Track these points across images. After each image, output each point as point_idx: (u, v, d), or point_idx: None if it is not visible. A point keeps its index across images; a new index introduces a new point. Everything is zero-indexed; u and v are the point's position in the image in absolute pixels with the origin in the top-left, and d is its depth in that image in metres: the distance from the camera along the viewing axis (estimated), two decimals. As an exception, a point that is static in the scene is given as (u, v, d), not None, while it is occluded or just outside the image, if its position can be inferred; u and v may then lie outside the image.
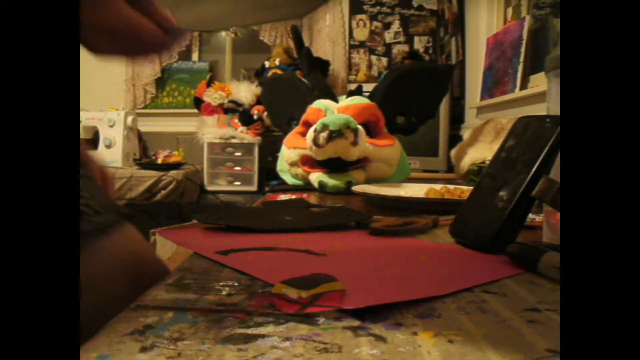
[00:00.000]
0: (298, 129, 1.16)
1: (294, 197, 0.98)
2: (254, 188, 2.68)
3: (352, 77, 3.05)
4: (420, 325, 0.28)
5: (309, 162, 1.09)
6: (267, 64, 2.86)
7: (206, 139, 2.65)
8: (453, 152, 1.40)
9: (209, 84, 2.78)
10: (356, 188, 0.91)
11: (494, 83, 2.01)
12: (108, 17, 0.37)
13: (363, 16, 3.08)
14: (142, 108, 3.09)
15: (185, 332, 0.27)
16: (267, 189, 1.76)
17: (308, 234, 0.58)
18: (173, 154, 2.59)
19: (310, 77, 1.34)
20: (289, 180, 1.18)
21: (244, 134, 2.63)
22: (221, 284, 0.36)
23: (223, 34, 3.16)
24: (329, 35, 3.03)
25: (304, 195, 1.00)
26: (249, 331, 0.27)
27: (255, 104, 2.65)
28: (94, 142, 2.56)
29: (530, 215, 0.56)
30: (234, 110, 2.69)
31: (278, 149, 1.24)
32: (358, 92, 1.25)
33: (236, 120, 2.66)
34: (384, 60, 3.08)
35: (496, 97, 1.94)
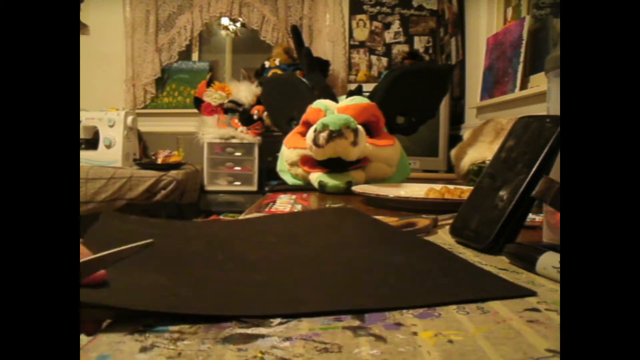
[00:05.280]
0: (298, 129, 1.16)
1: (293, 197, 0.98)
2: (254, 188, 2.68)
3: (352, 77, 3.05)
4: (420, 325, 0.28)
5: (309, 162, 1.09)
6: (267, 64, 2.86)
7: (206, 139, 2.65)
8: (453, 152, 1.40)
9: (209, 84, 2.78)
10: (356, 188, 0.91)
11: (494, 83, 2.01)
12: None
13: (363, 16, 3.08)
14: (142, 108, 3.09)
15: (185, 332, 0.27)
16: (267, 188, 1.76)
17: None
18: (173, 154, 2.59)
19: (310, 77, 1.34)
20: (289, 180, 1.18)
21: (244, 134, 2.63)
22: (221, 284, 0.36)
23: (223, 33, 3.16)
24: (329, 35, 3.03)
25: (304, 195, 1.00)
26: (249, 331, 0.27)
27: (255, 104, 2.65)
28: (94, 142, 2.56)
29: (530, 215, 0.56)
30: (234, 110, 2.69)
31: (278, 149, 1.24)
32: (358, 92, 1.25)
33: (236, 120, 2.65)
34: (384, 60, 3.08)
35: (496, 97, 1.94)
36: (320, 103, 1.12)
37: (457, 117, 2.56)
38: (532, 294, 0.33)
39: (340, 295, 0.34)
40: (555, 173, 0.47)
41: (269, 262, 0.42)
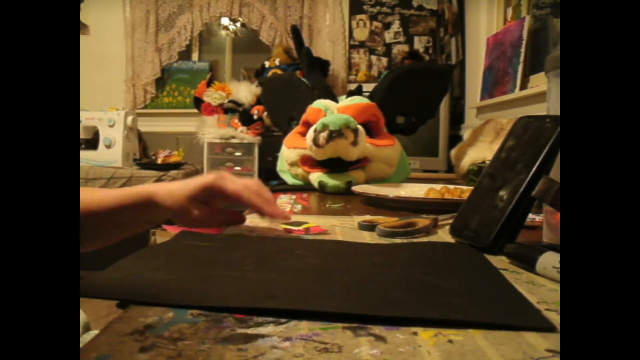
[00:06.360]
0: (298, 129, 1.15)
1: (293, 197, 0.98)
2: (254, 188, 2.68)
3: (352, 77, 3.05)
4: (420, 325, 0.28)
5: (309, 162, 1.09)
6: (267, 64, 2.85)
7: (206, 139, 2.65)
8: (453, 152, 1.39)
9: (209, 84, 2.78)
10: (356, 188, 0.91)
11: (494, 83, 2.01)
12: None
13: (363, 16, 3.08)
14: (142, 108, 3.09)
15: (185, 332, 0.27)
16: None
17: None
18: (173, 154, 2.59)
19: (310, 77, 1.34)
20: (289, 180, 1.18)
21: (244, 134, 2.63)
22: (221, 284, 0.36)
23: (223, 33, 3.15)
24: (329, 35, 3.03)
25: (304, 195, 1.00)
26: (249, 331, 0.27)
27: (255, 104, 2.65)
28: (94, 142, 2.55)
29: (530, 215, 0.56)
30: (234, 110, 2.69)
31: (278, 149, 1.24)
32: (358, 92, 1.25)
33: (236, 120, 2.65)
34: (384, 60, 3.08)
35: (496, 97, 1.94)
36: (320, 103, 1.12)
37: (457, 117, 2.56)
38: (550, 329, 0.28)
39: (329, 299, 0.32)
40: (555, 173, 0.47)
41: (293, 268, 0.40)
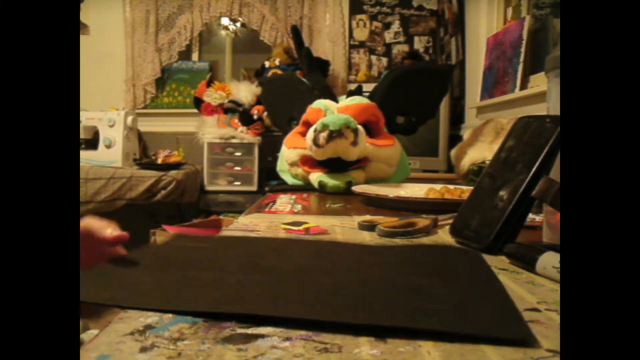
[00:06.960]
0: (298, 129, 1.16)
1: (293, 197, 0.98)
2: (254, 188, 2.68)
3: (352, 77, 3.05)
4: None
5: (309, 162, 1.09)
6: (267, 64, 2.86)
7: (206, 139, 2.65)
8: (453, 152, 1.40)
9: (209, 84, 2.78)
10: (356, 188, 0.91)
11: (494, 83, 2.01)
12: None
13: (363, 16, 3.08)
14: (142, 108, 3.09)
15: (185, 332, 0.27)
16: (267, 188, 1.76)
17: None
18: (173, 154, 2.59)
19: (310, 77, 1.34)
20: (289, 180, 1.18)
21: (244, 134, 2.63)
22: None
23: (223, 33, 3.15)
24: (329, 35, 3.03)
25: (304, 195, 1.00)
26: (249, 331, 0.27)
27: (255, 104, 2.65)
28: (94, 142, 2.56)
29: (530, 215, 0.56)
30: (234, 110, 2.69)
31: (278, 149, 1.24)
32: (358, 92, 1.25)
33: (236, 120, 2.65)
34: (384, 60, 3.08)
35: (496, 97, 1.94)
36: (320, 103, 1.12)
37: (457, 117, 2.56)
38: (526, 343, 0.26)
39: (312, 304, 0.31)
40: (555, 173, 0.47)
41: (277, 269, 0.40)
